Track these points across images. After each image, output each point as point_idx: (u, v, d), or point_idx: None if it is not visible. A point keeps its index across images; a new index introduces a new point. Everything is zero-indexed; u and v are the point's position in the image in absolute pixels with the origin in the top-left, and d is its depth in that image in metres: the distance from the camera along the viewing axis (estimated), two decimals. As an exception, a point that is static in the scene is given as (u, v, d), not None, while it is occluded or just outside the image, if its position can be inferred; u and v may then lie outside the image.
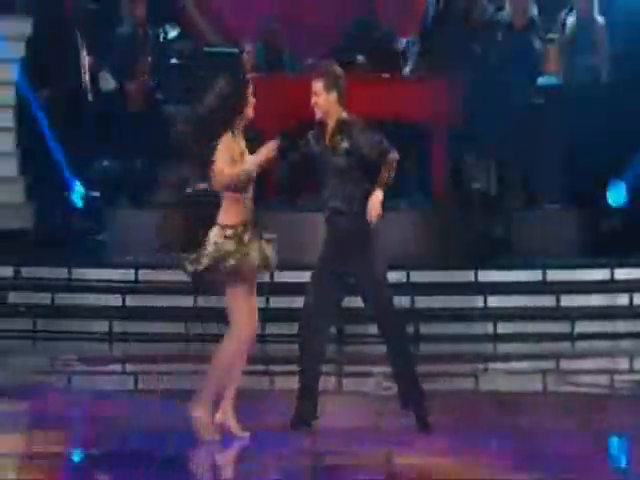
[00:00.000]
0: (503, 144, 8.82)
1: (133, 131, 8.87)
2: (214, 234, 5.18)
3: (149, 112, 8.94)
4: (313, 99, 5.28)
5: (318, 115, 5.29)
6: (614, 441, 5.50)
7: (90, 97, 8.91)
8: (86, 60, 8.91)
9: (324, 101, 5.26)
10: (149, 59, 8.90)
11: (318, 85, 5.27)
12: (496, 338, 7.70)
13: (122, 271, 8.13)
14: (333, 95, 5.28)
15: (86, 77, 8.88)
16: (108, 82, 9.16)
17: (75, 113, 8.74)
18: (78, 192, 8.60)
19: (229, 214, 5.22)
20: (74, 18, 8.95)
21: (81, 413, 6.01)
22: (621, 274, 8.06)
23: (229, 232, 5.18)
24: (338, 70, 5.36)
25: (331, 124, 5.29)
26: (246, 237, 5.19)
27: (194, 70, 9.52)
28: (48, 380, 6.90)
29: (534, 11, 8.87)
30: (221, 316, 7.71)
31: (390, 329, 5.21)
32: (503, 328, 7.73)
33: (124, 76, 8.97)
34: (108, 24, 9.17)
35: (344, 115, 5.28)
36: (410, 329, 7.49)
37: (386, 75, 8.91)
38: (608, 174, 8.66)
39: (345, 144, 5.22)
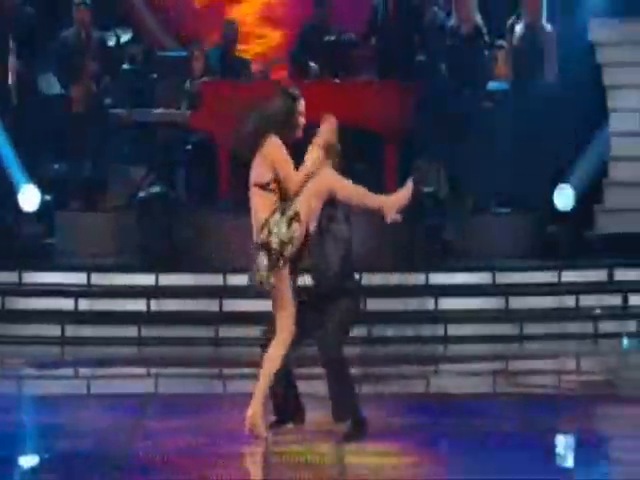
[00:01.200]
0: (453, 148, 8.89)
1: (82, 134, 8.81)
2: (274, 222, 5.12)
3: (97, 115, 8.87)
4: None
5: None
6: (561, 440, 5.56)
7: (15, 101, 8.84)
8: (14, 64, 8.83)
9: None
10: (94, 63, 8.82)
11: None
12: (447, 340, 7.74)
13: (74, 274, 8.07)
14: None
15: (11, 80, 8.81)
16: (50, 85, 9.08)
17: (23, 116, 8.65)
18: (29, 195, 8.51)
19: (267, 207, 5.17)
20: (7, 21, 8.87)
21: (28, 417, 5.94)
22: (568, 276, 8.14)
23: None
24: (337, 145, 5.33)
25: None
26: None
27: (146, 73, 9.50)
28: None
29: (479, 18, 8.93)
30: (174, 320, 7.77)
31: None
32: (453, 330, 7.78)
33: (69, 80, 8.87)
34: (50, 27, 9.10)
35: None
36: (363, 331, 7.54)
37: (338, 80, 8.94)
38: (555, 178, 8.75)
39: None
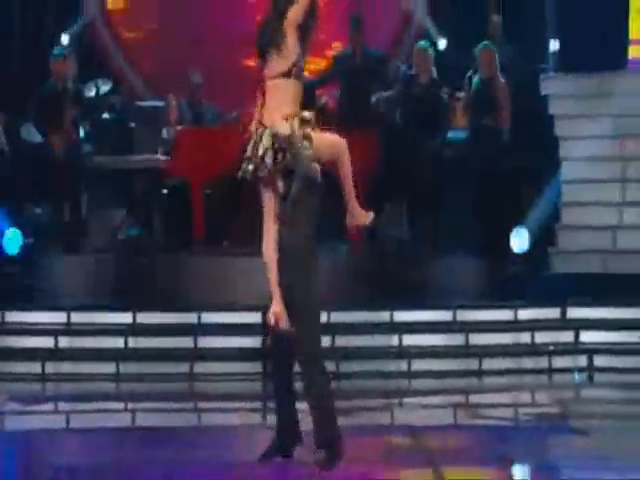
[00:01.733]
0: (417, 194, 9.02)
1: (62, 180, 8.88)
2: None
3: (76, 161, 8.96)
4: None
5: None
6: (517, 468, 5.67)
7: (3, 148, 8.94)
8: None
9: None
10: (72, 112, 8.91)
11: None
12: (410, 374, 7.82)
13: (55, 314, 8.10)
14: None
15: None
16: (31, 134, 9.17)
17: (5, 163, 8.74)
18: (12, 239, 8.56)
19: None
20: None
21: (8, 451, 5.96)
22: (524, 314, 8.23)
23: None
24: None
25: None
26: None
27: (125, 122, 9.62)
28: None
29: (434, 72, 9.11)
30: (151, 356, 7.82)
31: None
32: (417, 365, 7.86)
33: (47, 128, 8.94)
34: (30, 79, 9.21)
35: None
36: (331, 367, 7.62)
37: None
38: (512, 222, 8.90)
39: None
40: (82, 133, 9.14)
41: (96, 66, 9.75)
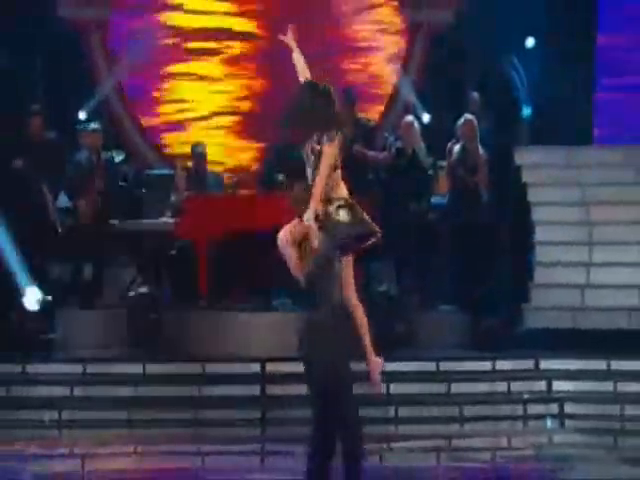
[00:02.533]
0: (404, 253, 9.23)
1: (87, 243, 9.07)
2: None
3: (98, 226, 9.20)
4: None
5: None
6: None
7: (59, 229, 9.14)
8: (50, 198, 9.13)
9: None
10: (100, 181, 9.19)
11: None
12: (397, 420, 7.94)
13: (71, 365, 8.26)
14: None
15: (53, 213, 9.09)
16: (64, 201, 9.45)
17: (35, 230, 8.98)
18: (33, 295, 8.77)
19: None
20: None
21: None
22: (501, 365, 8.34)
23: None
24: (302, 193, 5.26)
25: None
26: None
27: (137, 190, 9.90)
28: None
29: (421, 142, 9.37)
30: (159, 403, 7.97)
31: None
32: (403, 412, 7.96)
33: (77, 195, 9.23)
34: (63, 152, 9.48)
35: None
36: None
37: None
38: (490, 278, 9.10)
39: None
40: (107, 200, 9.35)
41: (112, 138, 10.04)
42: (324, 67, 10.36)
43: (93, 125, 9.36)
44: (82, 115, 10.30)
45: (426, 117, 10.45)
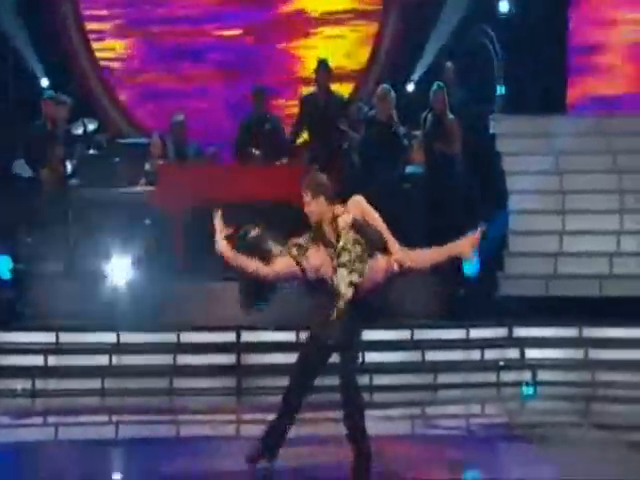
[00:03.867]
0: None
1: (51, 211, 8.88)
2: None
3: (64, 194, 8.97)
4: (306, 208, 5.39)
5: (313, 220, 5.38)
6: (469, 473, 5.75)
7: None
8: None
9: (315, 207, 5.37)
10: (60, 149, 8.92)
11: (307, 197, 5.39)
12: (372, 389, 7.83)
13: (44, 334, 8.09)
14: (321, 200, 5.39)
15: None
16: (24, 169, 9.21)
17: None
18: (5, 265, 8.56)
19: None
20: None
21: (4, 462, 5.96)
22: (475, 333, 8.31)
23: None
24: (318, 178, 5.49)
25: (327, 222, 5.37)
26: None
27: (110, 158, 9.66)
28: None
29: (394, 111, 9.23)
30: (133, 372, 7.82)
31: None
32: (378, 380, 7.88)
33: (37, 165, 9.00)
34: (24, 119, 9.25)
35: (334, 212, 5.39)
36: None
37: (276, 164, 9.20)
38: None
39: (352, 235, 5.35)
40: (70, 168, 9.17)
41: (83, 106, 9.79)
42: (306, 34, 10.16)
43: (49, 93, 9.11)
44: (44, 82, 10.00)
45: (410, 87, 10.29)
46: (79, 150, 9.26)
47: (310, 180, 5.47)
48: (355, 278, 5.32)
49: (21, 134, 9.17)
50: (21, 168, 9.19)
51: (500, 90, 9.86)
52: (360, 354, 5.51)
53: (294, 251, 5.36)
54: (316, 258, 5.31)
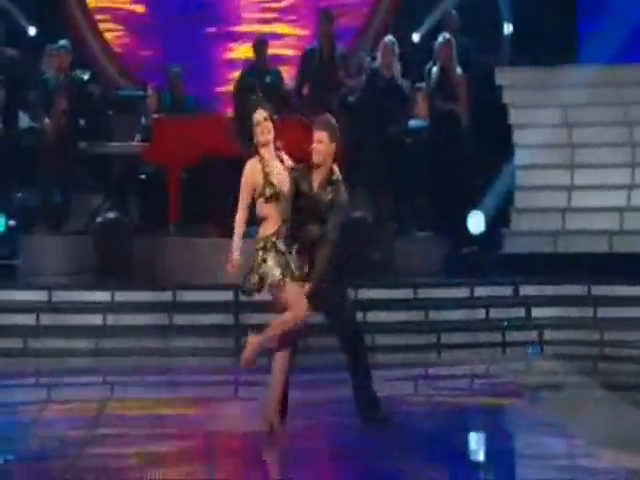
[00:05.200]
0: (381, 178, 8.94)
1: (49, 165, 8.71)
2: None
3: (64, 147, 8.78)
4: (315, 145, 5.31)
5: (316, 159, 5.32)
6: (472, 435, 5.63)
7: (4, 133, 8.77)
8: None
9: (326, 150, 5.31)
10: (64, 101, 8.75)
11: (323, 134, 5.33)
12: (374, 349, 7.74)
13: (36, 292, 7.95)
14: (333, 147, 5.35)
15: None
16: (25, 121, 9.01)
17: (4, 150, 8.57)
18: (-1, 221, 8.41)
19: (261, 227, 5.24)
20: None
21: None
22: (479, 291, 8.19)
23: (260, 244, 5.19)
24: (335, 123, 5.42)
25: (323, 171, 5.34)
26: (280, 247, 5.16)
27: (104, 111, 9.44)
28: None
29: (398, 64, 9.02)
30: (128, 332, 7.70)
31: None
32: (380, 340, 7.79)
33: (41, 116, 8.80)
34: (27, 68, 9.02)
35: (334, 167, 5.36)
36: (301, 343, 7.55)
37: (275, 117, 8.98)
38: (468, 205, 8.85)
39: (330, 196, 5.29)
40: (82, 121, 8.95)
41: (76, 56, 9.53)
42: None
43: (60, 44, 8.88)
44: (32, 31, 9.73)
45: (416, 37, 10.04)
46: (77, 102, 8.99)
47: (329, 121, 5.40)
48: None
49: (25, 83, 8.88)
50: (26, 120, 8.98)
51: (506, 40, 9.62)
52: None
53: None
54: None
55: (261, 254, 5.23)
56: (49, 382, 7.13)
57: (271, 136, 5.36)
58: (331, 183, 5.32)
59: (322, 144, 5.32)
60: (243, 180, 5.32)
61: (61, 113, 8.73)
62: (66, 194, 8.87)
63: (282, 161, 5.40)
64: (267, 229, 5.26)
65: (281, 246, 5.23)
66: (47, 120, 8.71)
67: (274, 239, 5.24)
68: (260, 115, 5.38)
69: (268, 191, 5.25)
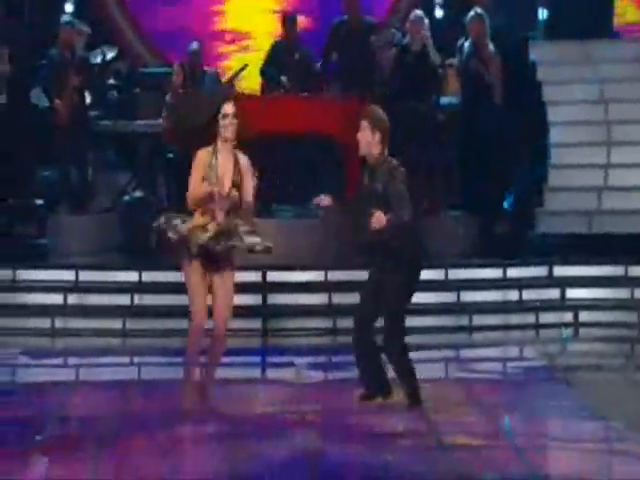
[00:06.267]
0: (410, 156, 8.86)
1: (67, 144, 8.69)
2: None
3: (80, 126, 8.76)
4: (360, 135, 5.37)
5: (362, 150, 5.40)
6: (505, 418, 5.60)
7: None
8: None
9: (369, 139, 5.35)
10: (77, 78, 8.72)
11: (364, 123, 5.37)
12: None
13: (63, 272, 7.98)
14: (377, 136, 5.35)
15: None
16: (41, 99, 9.00)
17: (15, 127, 8.56)
18: (23, 199, 8.45)
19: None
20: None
21: (21, 403, 5.89)
22: (512, 272, 8.12)
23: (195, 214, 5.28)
24: (382, 113, 5.46)
25: (371, 162, 5.38)
26: (208, 218, 5.17)
27: (130, 88, 9.43)
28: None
29: (429, 38, 8.92)
30: (156, 313, 7.72)
31: None
32: (410, 322, 7.70)
33: (54, 94, 8.79)
34: (40, 46, 9.02)
35: (384, 157, 5.38)
36: (329, 323, 7.55)
37: (305, 94, 8.94)
38: (502, 184, 8.76)
39: (380, 187, 5.33)
40: (88, 99, 8.93)
41: (103, 33, 9.52)
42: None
43: (66, 19, 8.85)
44: (68, 8, 9.73)
45: (439, 12, 9.92)
46: (96, 79, 9.00)
47: (373, 111, 5.46)
48: None
49: (38, 61, 8.91)
50: (38, 98, 8.99)
51: (541, 13, 9.47)
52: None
53: None
54: None
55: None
56: (77, 362, 7.16)
57: (233, 135, 5.28)
58: (382, 174, 5.30)
59: (364, 133, 5.35)
60: (193, 169, 5.33)
61: (72, 92, 8.69)
62: (83, 173, 8.87)
63: (237, 161, 5.36)
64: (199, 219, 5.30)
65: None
66: (57, 100, 8.69)
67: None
68: (230, 108, 5.30)
69: (205, 187, 5.27)
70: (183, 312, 7.70)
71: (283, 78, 8.93)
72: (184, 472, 4.69)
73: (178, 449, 4.94)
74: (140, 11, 10.49)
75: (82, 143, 8.77)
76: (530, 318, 7.88)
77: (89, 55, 9.09)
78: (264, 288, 7.88)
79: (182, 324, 7.66)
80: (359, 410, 5.50)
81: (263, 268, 7.88)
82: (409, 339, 7.15)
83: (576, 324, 7.89)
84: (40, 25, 9.33)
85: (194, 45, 9.27)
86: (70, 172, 8.80)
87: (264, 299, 7.85)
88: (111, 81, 9.25)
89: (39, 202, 8.62)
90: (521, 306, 7.96)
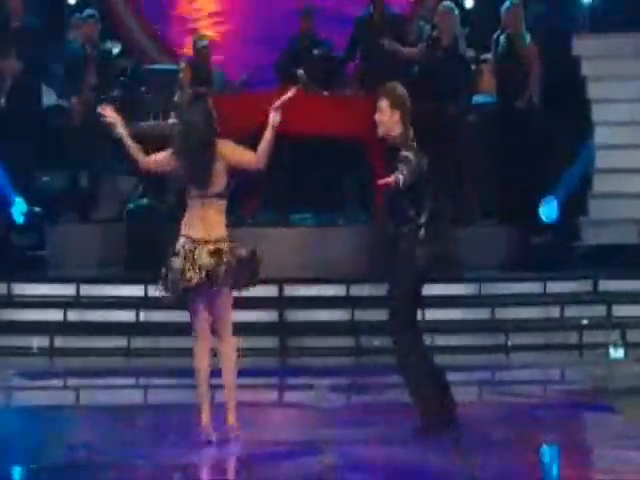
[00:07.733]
0: (441, 159, 8.88)
1: (78, 146, 8.78)
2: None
3: (91, 128, 8.87)
4: (377, 116, 5.33)
5: (380, 132, 5.35)
6: (547, 450, 5.59)
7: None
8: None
9: (388, 119, 5.31)
10: (93, 76, 8.83)
11: (383, 104, 5.34)
12: (434, 350, 7.74)
13: (63, 286, 8.04)
14: (397, 114, 5.33)
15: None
16: (50, 97, 9.08)
17: (14, 128, 8.64)
18: (19, 208, 8.51)
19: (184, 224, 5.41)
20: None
21: (17, 428, 5.93)
22: (553, 287, 8.16)
23: (176, 247, 5.25)
24: (402, 90, 5.41)
25: (391, 144, 5.37)
26: (197, 251, 5.23)
27: (136, 86, 9.50)
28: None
29: (460, 32, 8.94)
30: (163, 330, 7.76)
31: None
32: (441, 340, 7.78)
33: (69, 92, 8.88)
34: (50, 41, 9.10)
35: (406, 138, 5.35)
36: (351, 342, 7.57)
37: (325, 93, 8.97)
38: (541, 190, 8.78)
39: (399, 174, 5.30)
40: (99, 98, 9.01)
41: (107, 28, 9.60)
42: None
43: (87, 12, 8.96)
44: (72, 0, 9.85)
45: (469, 3, 9.97)
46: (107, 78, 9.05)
47: (392, 88, 5.39)
48: None
49: (53, 56, 8.98)
50: (51, 97, 9.06)
51: (586, 4, 9.49)
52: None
53: None
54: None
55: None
56: (77, 384, 7.20)
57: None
58: (400, 158, 5.27)
59: (382, 113, 5.30)
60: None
61: (90, 90, 8.80)
62: (93, 178, 8.94)
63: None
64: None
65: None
66: (74, 100, 8.76)
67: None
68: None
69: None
70: (190, 329, 7.79)
71: (300, 72, 8.98)
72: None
73: None
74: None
75: (93, 146, 8.83)
76: (573, 337, 7.90)
77: (111, 48, 9.16)
78: (281, 303, 7.91)
79: (191, 343, 7.73)
80: (382, 439, 5.50)
81: (279, 281, 7.91)
82: (441, 359, 7.22)
83: (624, 344, 7.89)
84: (47, 20, 9.39)
85: (201, 41, 9.34)
86: (79, 177, 8.87)
87: (281, 315, 7.88)
88: (115, 78, 9.32)
89: (38, 210, 8.68)
90: (563, 324, 7.97)
